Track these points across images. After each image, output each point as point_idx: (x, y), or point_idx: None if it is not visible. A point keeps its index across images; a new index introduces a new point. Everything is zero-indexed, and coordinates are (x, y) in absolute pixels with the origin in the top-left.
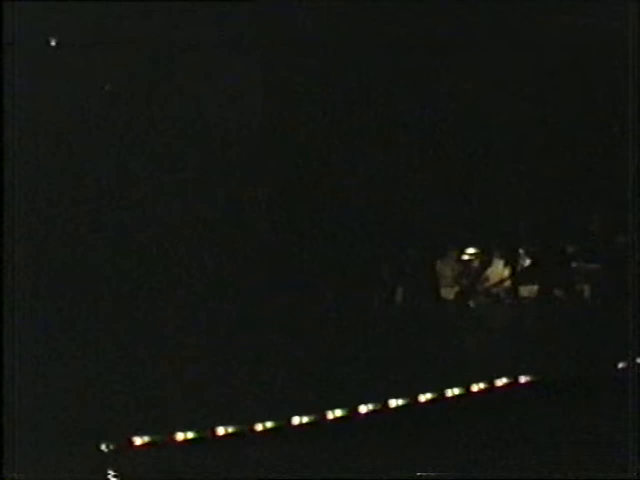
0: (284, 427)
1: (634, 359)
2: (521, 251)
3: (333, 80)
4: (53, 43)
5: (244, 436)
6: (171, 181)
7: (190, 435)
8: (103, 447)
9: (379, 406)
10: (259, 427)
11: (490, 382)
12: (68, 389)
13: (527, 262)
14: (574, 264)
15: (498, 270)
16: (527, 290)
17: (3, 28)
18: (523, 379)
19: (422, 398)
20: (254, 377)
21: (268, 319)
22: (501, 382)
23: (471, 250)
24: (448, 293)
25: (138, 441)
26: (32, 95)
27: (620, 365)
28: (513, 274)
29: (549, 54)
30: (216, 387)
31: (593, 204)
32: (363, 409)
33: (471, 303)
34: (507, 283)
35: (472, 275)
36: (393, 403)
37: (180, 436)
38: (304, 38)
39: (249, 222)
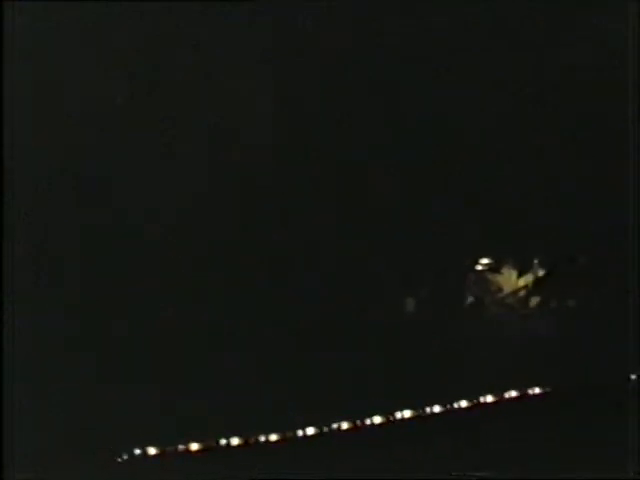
0: (293, 438)
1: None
2: (535, 261)
3: (335, 80)
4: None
5: (255, 447)
6: (175, 184)
7: (201, 446)
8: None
9: (386, 418)
10: (271, 438)
11: (502, 393)
12: (79, 396)
13: (541, 272)
14: (589, 273)
15: (512, 280)
16: (541, 300)
17: (3, 28)
18: (537, 390)
19: (432, 410)
20: (260, 389)
21: (273, 328)
22: (514, 393)
23: (485, 260)
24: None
25: (152, 451)
26: (32, 94)
27: (633, 376)
28: (527, 284)
29: (549, 54)
30: (224, 397)
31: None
32: (371, 421)
33: (484, 313)
34: (521, 293)
35: (485, 285)
36: (399, 415)
37: (193, 446)
38: (305, 38)
39: (254, 228)
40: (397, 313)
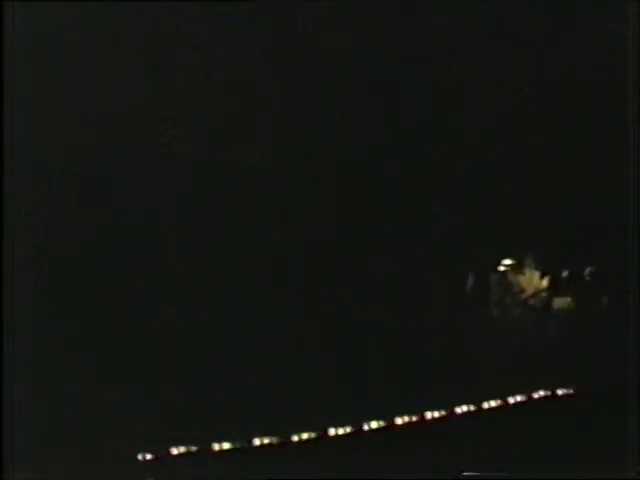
0: (320, 438)
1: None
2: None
3: (335, 80)
4: None
5: (279, 447)
6: (175, 184)
7: (226, 446)
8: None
9: (414, 418)
10: (294, 438)
11: (526, 394)
12: (79, 396)
13: (563, 274)
14: (609, 275)
15: (534, 281)
16: (563, 302)
17: (3, 28)
18: (560, 392)
19: (458, 410)
20: (290, 389)
21: (297, 331)
22: (537, 395)
23: (507, 261)
24: None
25: (175, 451)
26: (32, 94)
27: None
28: (549, 286)
29: (549, 54)
30: (251, 399)
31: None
32: (399, 421)
33: (506, 313)
34: (543, 294)
35: (508, 286)
36: (428, 415)
37: (216, 447)
38: (305, 38)
39: (254, 228)
40: (410, 315)
